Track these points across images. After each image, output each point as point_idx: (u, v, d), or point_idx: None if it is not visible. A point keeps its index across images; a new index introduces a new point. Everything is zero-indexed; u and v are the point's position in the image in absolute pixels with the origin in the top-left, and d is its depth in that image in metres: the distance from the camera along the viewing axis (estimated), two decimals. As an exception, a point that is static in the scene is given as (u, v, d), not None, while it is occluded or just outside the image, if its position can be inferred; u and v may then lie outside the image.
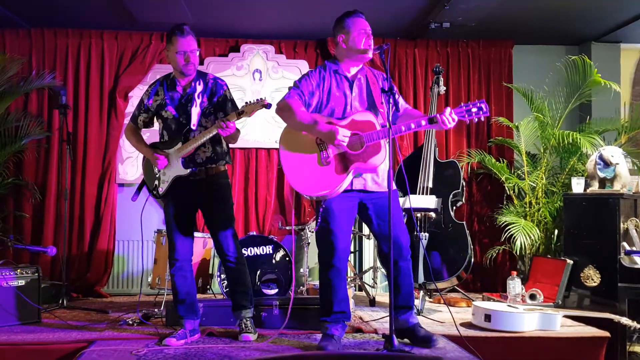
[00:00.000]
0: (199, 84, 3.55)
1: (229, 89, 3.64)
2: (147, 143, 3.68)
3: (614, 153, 4.66)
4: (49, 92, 5.60)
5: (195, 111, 3.51)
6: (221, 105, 3.57)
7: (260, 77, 5.86)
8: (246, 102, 3.43)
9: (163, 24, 5.48)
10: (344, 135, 3.18)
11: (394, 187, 3.36)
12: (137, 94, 5.74)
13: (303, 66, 5.86)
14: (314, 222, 5.28)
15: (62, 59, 5.68)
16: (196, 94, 3.52)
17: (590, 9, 5.19)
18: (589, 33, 5.84)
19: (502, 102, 5.96)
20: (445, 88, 5.41)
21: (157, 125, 3.74)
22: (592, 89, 5.41)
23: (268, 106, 3.31)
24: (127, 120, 5.68)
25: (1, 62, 5.26)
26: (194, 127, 3.50)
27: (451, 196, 4.98)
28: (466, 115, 3.21)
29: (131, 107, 5.72)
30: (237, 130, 3.52)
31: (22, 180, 5.51)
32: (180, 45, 3.45)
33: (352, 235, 3.97)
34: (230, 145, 3.76)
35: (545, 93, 5.60)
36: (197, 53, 3.53)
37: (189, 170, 3.49)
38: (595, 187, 4.71)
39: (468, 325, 3.96)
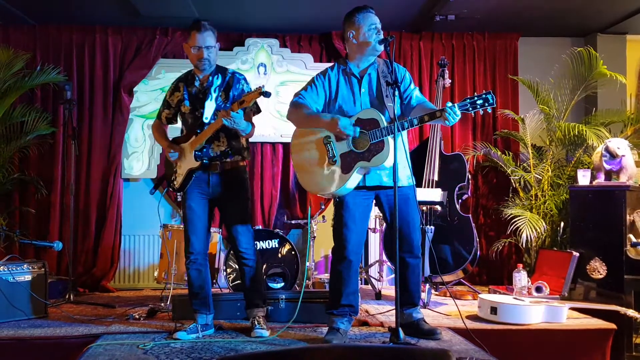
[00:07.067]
0: (217, 78, 3.56)
1: (247, 83, 3.63)
2: (171, 138, 3.70)
3: (620, 145, 4.64)
4: (53, 87, 5.60)
5: (209, 105, 3.51)
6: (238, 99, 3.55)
7: (265, 71, 5.84)
8: (246, 92, 3.45)
9: (167, 18, 5.49)
10: (345, 123, 3.19)
11: (413, 182, 3.40)
12: (141, 89, 5.75)
13: (308, 60, 5.84)
14: (320, 216, 5.30)
15: (67, 54, 5.68)
16: (213, 88, 3.54)
17: (595, 0, 5.15)
18: (594, 24, 5.80)
19: (508, 94, 5.93)
20: (450, 81, 5.40)
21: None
22: (597, 80, 5.40)
23: (266, 94, 3.26)
24: (131, 115, 5.72)
25: (6, 57, 5.27)
26: (206, 121, 3.49)
27: (457, 189, 4.98)
28: (470, 108, 3.11)
29: (136, 101, 5.74)
30: (249, 124, 3.50)
31: (27, 175, 5.52)
32: (196, 40, 3.47)
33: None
34: None
35: (550, 85, 5.57)
36: (215, 49, 3.53)
37: (199, 163, 3.48)
38: (601, 180, 4.69)
39: (474, 318, 3.96)
